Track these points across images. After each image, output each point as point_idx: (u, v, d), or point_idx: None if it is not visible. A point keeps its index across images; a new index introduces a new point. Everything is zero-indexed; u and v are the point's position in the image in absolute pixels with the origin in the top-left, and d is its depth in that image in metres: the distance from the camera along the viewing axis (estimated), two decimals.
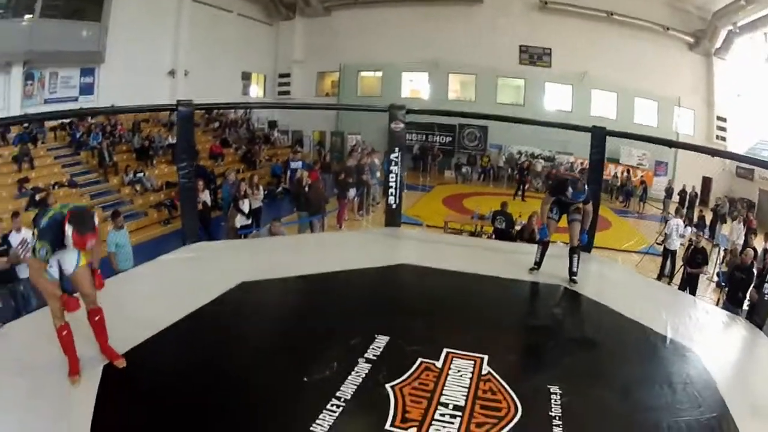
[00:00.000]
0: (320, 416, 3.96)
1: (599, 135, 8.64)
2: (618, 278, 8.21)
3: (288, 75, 32.07)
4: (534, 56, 28.84)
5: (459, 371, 4.67)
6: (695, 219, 20.49)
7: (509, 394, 4.37)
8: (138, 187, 18.50)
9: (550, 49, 28.55)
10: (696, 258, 12.45)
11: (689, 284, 12.44)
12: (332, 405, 4.10)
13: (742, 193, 25.48)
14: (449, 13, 28.95)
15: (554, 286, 7.12)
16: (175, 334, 5.19)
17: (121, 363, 4.60)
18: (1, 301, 5.78)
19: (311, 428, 3.82)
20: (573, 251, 7.35)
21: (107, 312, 4.67)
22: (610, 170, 26.85)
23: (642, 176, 26.79)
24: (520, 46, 28.84)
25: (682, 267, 13.06)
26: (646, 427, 4.24)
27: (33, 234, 4.53)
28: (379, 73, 31.40)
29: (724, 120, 27.64)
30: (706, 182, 26.36)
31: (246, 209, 12.71)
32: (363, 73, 31.72)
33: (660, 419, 4.31)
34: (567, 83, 28.68)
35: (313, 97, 31.31)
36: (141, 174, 18.86)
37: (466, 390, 4.39)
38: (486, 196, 22.30)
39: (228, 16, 28.75)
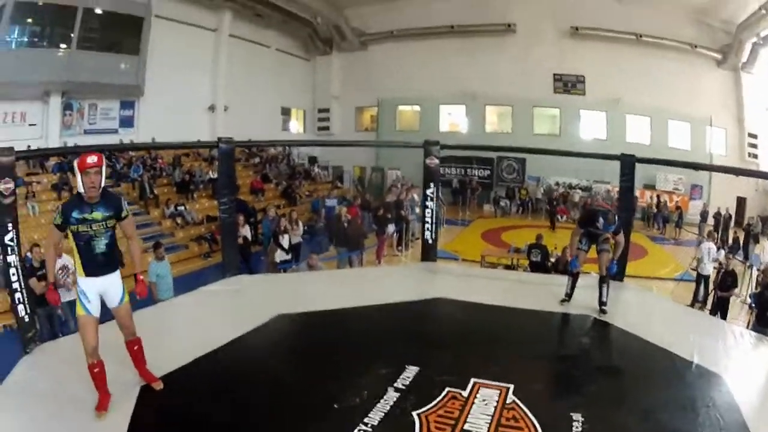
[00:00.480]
0: None
1: (628, 163, 8.63)
2: (648, 306, 8.17)
3: (327, 110, 32.47)
4: (568, 84, 28.86)
5: (484, 400, 4.79)
6: (730, 241, 20.22)
7: (532, 421, 4.47)
8: (179, 221, 18.83)
9: (584, 76, 28.55)
10: (726, 281, 12.26)
11: (720, 308, 12.26)
12: (359, 430, 4.28)
13: None
14: (483, 44, 29.12)
15: (584, 317, 7.13)
16: (212, 362, 5.45)
17: (159, 385, 4.82)
18: (38, 323, 6.04)
19: None
20: (602, 281, 7.36)
21: (146, 339, 4.95)
22: (646, 197, 26.85)
23: (677, 201, 26.51)
24: (554, 74, 28.89)
25: (713, 291, 12.86)
26: None
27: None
28: (417, 107, 31.67)
29: (756, 137, 27.31)
30: (741, 203, 26.07)
31: (286, 244, 12.99)
32: (401, 107, 32.03)
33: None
34: (601, 110, 28.64)
35: (352, 132, 31.76)
36: (182, 207, 19.20)
37: (490, 418, 4.52)
38: (524, 229, 22.15)
39: (266, 51, 29.41)
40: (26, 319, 5.68)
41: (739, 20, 25.69)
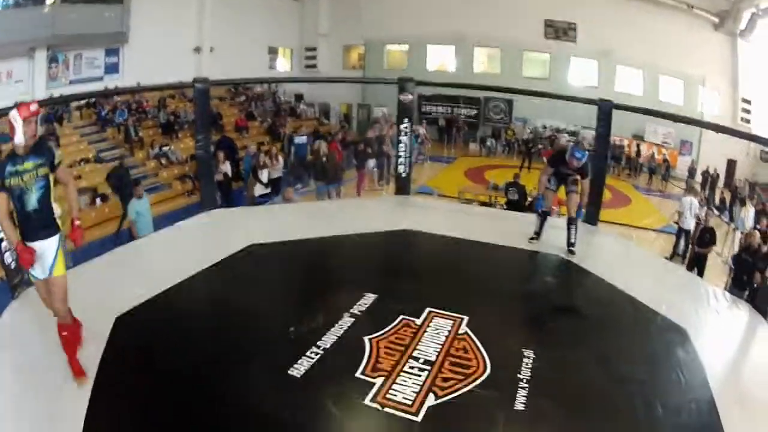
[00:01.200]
0: (298, 362, 4.35)
1: (605, 108, 8.57)
2: (621, 252, 8.12)
3: (314, 49, 32.13)
4: (559, 31, 28.69)
5: (437, 329, 4.97)
6: (717, 201, 20.52)
7: (481, 353, 4.63)
8: (163, 161, 18.92)
9: (575, 24, 28.42)
10: (704, 237, 12.17)
11: (697, 264, 12.12)
12: (311, 353, 4.50)
13: (766, 178, 25.32)
14: None
15: (552, 256, 7.22)
16: (182, 292, 5.63)
17: (83, 381, 4.30)
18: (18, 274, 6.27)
19: (289, 371, 4.23)
20: (571, 222, 7.30)
21: (122, 273, 5.43)
22: (633, 147, 27.03)
23: (666, 154, 26.63)
24: (545, 20, 28.69)
25: (691, 246, 12.87)
26: (617, 397, 4.39)
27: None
28: (405, 47, 31.44)
29: (749, 102, 27.40)
30: (731, 165, 26.22)
31: (265, 179, 13.13)
32: (389, 47, 31.74)
33: (635, 392, 4.41)
34: (592, 59, 28.60)
35: (340, 71, 31.44)
36: (166, 148, 19.25)
37: (440, 346, 4.69)
38: (508, 169, 22.17)
39: None
40: (12, 266, 5.85)
41: None
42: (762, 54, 26.64)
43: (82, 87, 20.69)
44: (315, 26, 31.75)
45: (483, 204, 14.74)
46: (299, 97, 30.39)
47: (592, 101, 9.03)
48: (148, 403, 3.99)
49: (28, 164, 4.33)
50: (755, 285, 8.97)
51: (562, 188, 7.61)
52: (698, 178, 24.33)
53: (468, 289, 5.74)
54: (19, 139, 4.27)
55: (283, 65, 31.92)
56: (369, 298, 5.46)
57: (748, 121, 26.95)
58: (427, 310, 5.25)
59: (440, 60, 31.00)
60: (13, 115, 4.24)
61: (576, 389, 4.39)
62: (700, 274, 11.60)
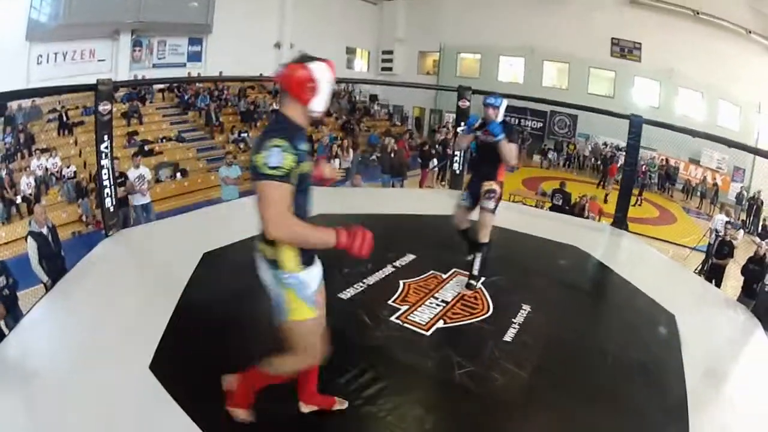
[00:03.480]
0: (347, 289, 5.74)
1: (636, 123, 9.44)
2: (642, 255, 8.57)
3: (390, 52, 33.32)
4: (624, 49, 29.04)
5: (457, 283, 6.21)
6: (759, 227, 20.65)
7: (487, 302, 5.82)
8: (242, 146, 20.18)
9: (640, 43, 28.81)
10: (722, 249, 12.17)
11: (714, 275, 12.01)
12: (357, 285, 5.87)
13: None
14: (544, 3, 29.49)
15: (573, 248, 7.99)
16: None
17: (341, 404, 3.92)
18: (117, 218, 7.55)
19: (338, 295, 5.59)
20: (476, 249, 6.24)
21: (209, 227, 7.01)
22: (690, 171, 27.51)
23: (718, 179, 26.76)
24: (612, 38, 29.12)
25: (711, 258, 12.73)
26: (590, 353, 5.07)
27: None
28: (478, 56, 32.22)
29: None
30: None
31: (337, 167, 14.49)
32: (462, 55, 32.60)
33: (609, 352, 5.06)
34: (655, 79, 28.92)
35: (414, 75, 32.46)
36: (245, 134, 20.68)
37: (456, 293, 5.95)
38: (565, 182, 22.90)
39: None
40: (111, 209, 7.19)
41: None
42: None
43: (164, 72, 22.16)
44: (393, 30, 32.91)
45: (529, 206, 15.42)
46: (374, 98, 31.64)
47: (624, 116, 9.75)
48: (225, 321, 4.94)
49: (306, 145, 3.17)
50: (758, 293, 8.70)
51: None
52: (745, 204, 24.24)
53: (490, 260, 6.41)
54: (320, 106, 3.17)
55: (361, 66, 33.11)
56: (409, 257, 6.78)
57: None
58: (453, 269, 6.51)
59: (511, 71, 31.66)
60: (321, 69, 3.16)
61: (557, 336, 5.32)
62: (718, 285, 11.56)
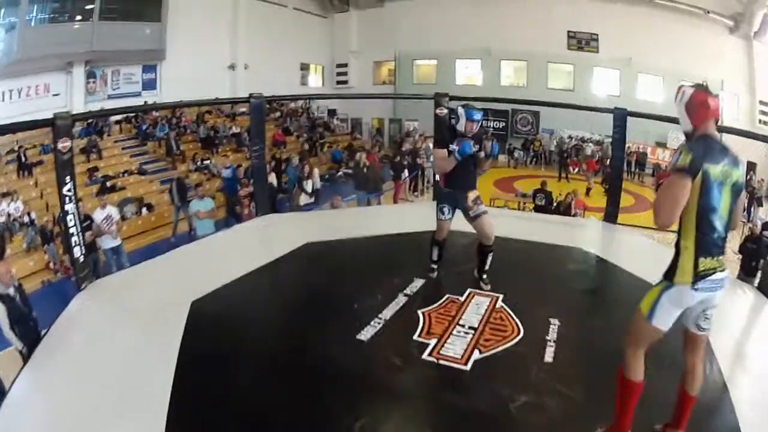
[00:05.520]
0: (364, 329, 5.19)
1: (620, 116, 9.17)
2: (638, 245, 8.59)
3: (345, 65, 33.06)
4: (582, 42, 29.24)
5: (477, 304, 5.77)
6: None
7: (515, 321, 5.41)
8: (206, 173, 19.70)
9: (597, 34, 28.96)
10: None
11: None
12: (374, 323, 5.32)
13: None
14: (499, 1, 29.55)
15: (576, 249, 7.87)
16: (250, 281, 6.44)
17: None
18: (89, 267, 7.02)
19: (357, 337, 5.07)
20: (488, 250, 6.30)
21: (191, 266, 6.43)
22: (657, 155, 27.69)
23: None
24: (568, 31, 29.26)
25: None
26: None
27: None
28: (434, 61, 32.12)
29: (767, 104, 27.77)
30: (750, 167, 26.57)
31: (309, 189, 14.04)
32: (418, 62, 32.50)
33: (656, 353, 4.78)
34: (614, 68, 29.10)
35: (370, 86, 32.37)
36: (208, 161, 20.14)
37: (481, 317, 5.50)
38: (536, 179, 22.83)
39: (284, 10, 30.08)
40: (81, 260, 6.50)
41: None
42: None
43: (120, 102, 21.75)
44: (346, 43, 32.75)
45: (513, 209, 15.30)
46: (332, 113, 31.34)
47: (608, 110, 9.54)
48: (237, 377, 4.52)
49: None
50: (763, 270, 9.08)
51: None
52: None
53: (502, 274, 6.33)
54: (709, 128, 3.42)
55: (315, 81, 32.78)
56: (418, 282, 6.29)
57: (766, 123, 27.32)
58: (469, 290, 6.08)
59: (468, 74, 31.60)
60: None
61: (596, 348, 4.98)
62: None
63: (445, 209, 6.28)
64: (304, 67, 32.49)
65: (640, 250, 8.21)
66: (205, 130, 22.79)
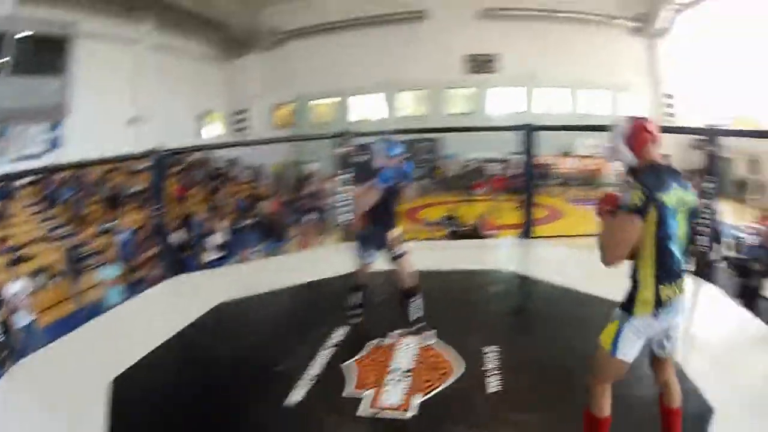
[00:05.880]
0: (293, 390, 4.78)
1: (528, 132, 9.29)
2: (556, 257, 8.77)
3: (245, 111, 32.59)
4: (481, 64, 29.75)
5: (406, 346, 5.51)
6: None
7: (450, 356, 5.19)
8: (112, 235, 18.67)
9: (496, 55, 29.51)
10: None
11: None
12: (302, 382, 4.93)
13: (700, 164, 26.47)
14: (396, 32, 29.89)
15: (496, 271, 7.82)
16: (169, 350, 5.98)
17: None
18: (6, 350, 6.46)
19: (287, 400, 4.66)
20: (410, 294, 5.82)
21: (107, 343, 5.77)
22: (564, 164, 28.24)
23: (595, 164, 27.77)
24: (467, 55, 29.76)
25: None
26: (574, 372, 4.56)
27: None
28: (332, 100, 32.08)
29: (671, 97, 28.92)
30: (664, 159, 27.58)
31: (216, 243, 13.52)
32: (316, 101, 32.40)
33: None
34: (517, 85, 29.65)
35: (270, 130, 32.05)
36: (113, 222, 19.31)
37: (413, 357, 5.24)
38: (440, 206, 22.89)
39: (184, 59, 29.46)
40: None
41: None
42: (680, 48, 28.30)
43: (26, 164, 20.54)
44: (245, 87, 32.17)
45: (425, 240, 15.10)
46: (233, 162, 30.43)
47: (517, 127, 9.54)
48: None
49: None
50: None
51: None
52: None
53: (426, 309, 5.96)
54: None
55: (215, 130, 32.16)
56: (341, 331, 5.96)
57: (672, 115, 28.50)
58: (394, 332, 5.81)
59: (367, 109, 31.80)
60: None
61: (534, 368, 4.96)
62: None
63: (367, 250, 5.87)
64: (205, 115, 31.80)
65: (559, 261, 8.33)
66: (109, 190, 21.85)
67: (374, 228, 5.77)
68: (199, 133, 31.33)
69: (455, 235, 13.84)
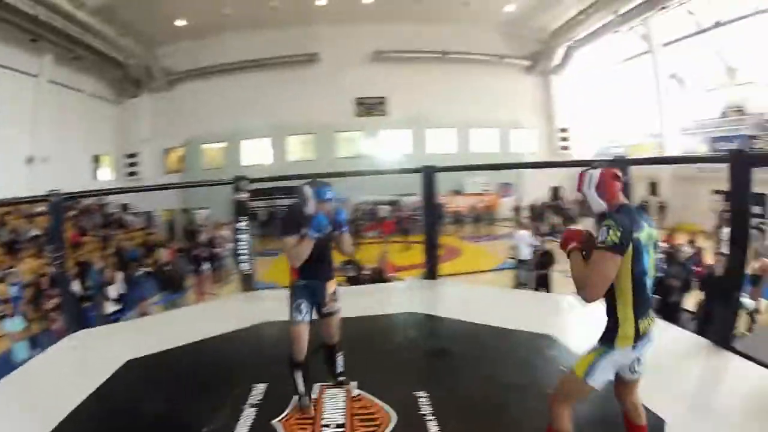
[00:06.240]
0: None
1: (428, 173, 9.36)
2: (461, 294, 8.98)
3: (136, 155, 31.51)
4: (370, 107, 29.98)
5: (332, 398, 5.26)
6: (545, 228, 21.40)
7: (381, 405, 5.00)
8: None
9: (386, 97, 29.85)
10: (543, 259, 13.27)
11: (542, 284, 13.18)
12: None
13: None
14: (287, 75, 29.91)
15: (409, 314, 7.78)
16: (76, 420, 5.36)
17: None
18: None
19: None
20: (335, 351, 5.56)
21: (17, 409, 5.31)
22: (455, 202, 28.64)
23: (487, 201, 28.44)
24: (356, 98, 29.97)
25: (533, 270, 13.68)
26: (507, 405, 4.90)
27: None
28: (222, 144, 31.54)
29: (566, 131, 30.01)
30: (556, 191, 28.54)
31: (114, 295, 12.82)
32: (207, 145, 31.80)
33: (520, 398, 4.99)
34: (405, 128, 30.02)
35: (161, 175, 30.99)
36: (12, 269, 18.11)
37: (343, 410, 4.99)
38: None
39: (81, 96, 28.21)
40: None
41: (552, 27, 28.18)
42: (576, 83, 29.50)
43: None
44: (137, 131, 31.17)
45: None
46: (125, 207, 29.15)
47: (416, 170, 9.57)
48: None
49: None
50: None
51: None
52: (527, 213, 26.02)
53: (346, 358, 5.75)
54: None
55: (107, 174, 30.87)
56: (260, 388, 5.59)
57: (566, 148, 29.58)
58: (317, 385, 5.49)
59: (256, 154, 31.35)
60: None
61: (469, 407, 4.91)
62: (547, 290, 12.90)
63: (303, 307, 5.10)
64: (97, 159, 30.51)
65: (466, 299, 8.53)
66: (6, 234, 20.58)
67: (309, 279, 5.16)
68: (96, 176, 30.10)
69: (355, 281, 13.59)
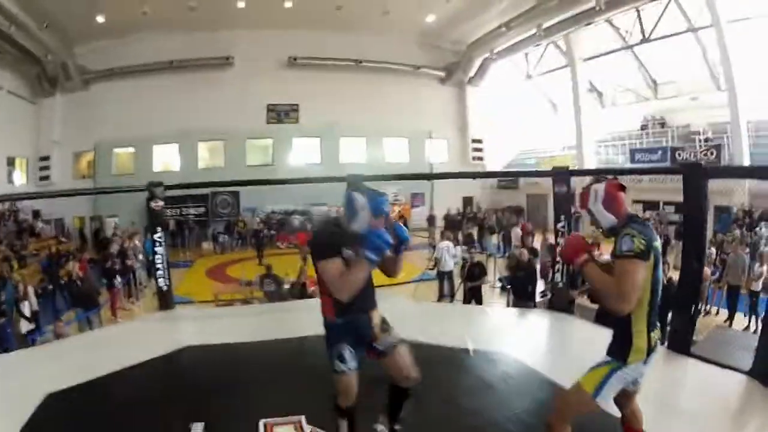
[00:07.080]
0: None
1: (353, 182, 8.66)
2: (400, 309, 8.09)
3: (47, 158, 29.45)
4: (281, 114, 29.42)
5: None
6: (461, 238, 21.12)
7: None
8: None
9: (298, 104, 29.30)
10: (473, 272, 13.01)
11: (474, 297, 12.94)
12: None
13: (510, 202, 27.93)
14: (201, 79, 28.85)
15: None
16: None
17: None
18: None
19: None
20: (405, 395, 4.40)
21: None
22: None
23: (400, 211, 28.26)
24: (268, 105, 29.30)
25: (462, 283, 13.39)
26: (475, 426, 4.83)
27: None
28: (132, 149, 30.16)
29: (480, 141, 30.19)
30: (468, 202, 28.73)
31: (28, 312, 11.81)
32: (117, 150, 30.24)
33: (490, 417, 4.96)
34: (315, 136, 29.51)
35: (71, 180, 29.13)
36: None
37: None
38: (246, 261, 22.45)
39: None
40: None
41: (470, 39, 28.12)
42: (493, 95, 29.79)
43: None
44: (49, 132, 29.06)
45: (244, 302, 14.04)
46: (36, 214, 27.03)
47: (341, 179, 9.10)
48: None
49: None
50: (552, 292, 9.31)
51: None
52: (442, 222, 25.87)
53: (287, 388, 5.58)
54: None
55: (19, 178, 28.59)
56: (198, 428, 4.97)
57: (480, 159, 29.86)
58: (262, 422, 4.93)
59: (165, 159, 30.17)
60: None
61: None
62: (479, 303, 12.74)
63: (346, 353, 3.92)
64: (12, 162, 28.35)
65: (403, 314, 7.47)
66: None
67: (348, 318, 3.95)
68: (11, 180, 28.04)
69: (275, 295, 13.01)
